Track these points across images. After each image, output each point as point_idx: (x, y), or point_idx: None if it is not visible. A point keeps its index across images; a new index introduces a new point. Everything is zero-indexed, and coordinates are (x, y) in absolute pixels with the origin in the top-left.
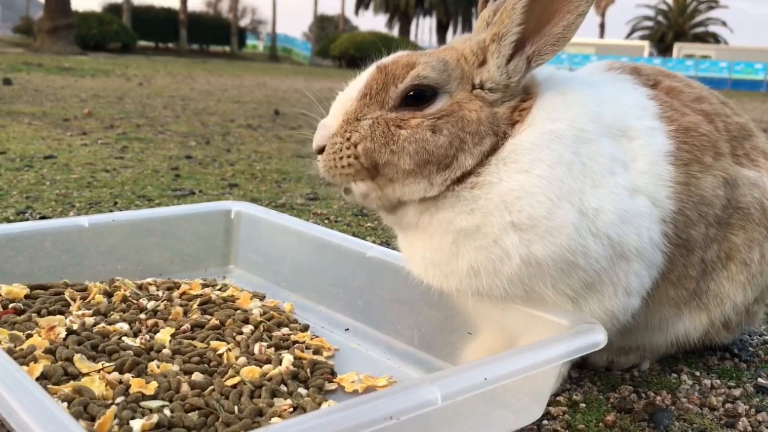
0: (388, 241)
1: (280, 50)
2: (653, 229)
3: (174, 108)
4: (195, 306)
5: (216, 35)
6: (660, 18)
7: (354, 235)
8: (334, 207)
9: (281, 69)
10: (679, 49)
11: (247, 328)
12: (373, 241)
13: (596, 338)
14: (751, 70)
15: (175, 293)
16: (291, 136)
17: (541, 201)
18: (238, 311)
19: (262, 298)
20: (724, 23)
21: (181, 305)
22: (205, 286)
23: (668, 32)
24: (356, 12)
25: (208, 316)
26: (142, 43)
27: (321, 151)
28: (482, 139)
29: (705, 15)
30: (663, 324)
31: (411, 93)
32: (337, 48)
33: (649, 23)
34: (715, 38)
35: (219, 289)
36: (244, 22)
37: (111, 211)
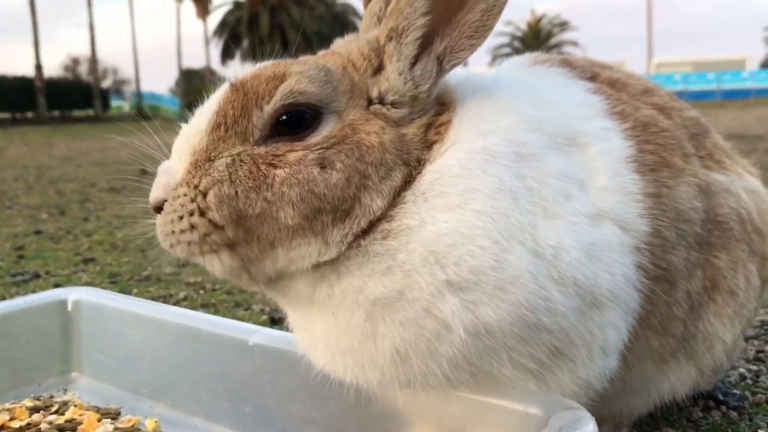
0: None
1: (146, 108)
2: (626, 263)
3: (27, 179)
4: None
5: (78, 99)
6: (516, 44)
7: (237, 305)
8: (210, 273)
9: (150, 126)
10: None
11: None
12: (263, 311)
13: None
14: None
15: None
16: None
17: (484, 246)
18: None
19: (115, 416)
20: (575, 44)
21: None
22: (35, 409)
23: None
24: (222, 62)
25: None
26: None
27: (161, 208)
28: (390, 171)
29: (558, 38)
30: (644, 384)
31: (284, 117)
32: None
33: (507, 50)
34: None
35: (55, 411)
36: (106, 84)
37: None
